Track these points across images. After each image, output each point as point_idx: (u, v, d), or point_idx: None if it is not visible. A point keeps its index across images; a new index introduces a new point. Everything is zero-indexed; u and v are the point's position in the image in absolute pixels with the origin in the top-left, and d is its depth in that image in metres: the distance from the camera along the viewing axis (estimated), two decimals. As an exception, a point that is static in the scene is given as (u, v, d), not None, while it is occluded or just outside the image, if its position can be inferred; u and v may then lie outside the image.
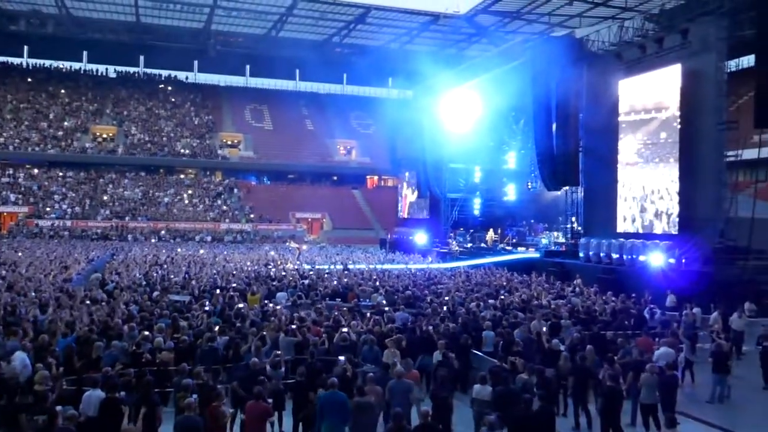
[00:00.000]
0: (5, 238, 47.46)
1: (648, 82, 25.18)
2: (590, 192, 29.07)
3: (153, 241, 50.89)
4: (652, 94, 24.96)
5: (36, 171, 60.46)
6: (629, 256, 24.00)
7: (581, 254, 26.82)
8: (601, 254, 25.45)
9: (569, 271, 26.03)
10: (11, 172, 59.12)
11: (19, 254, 32.13)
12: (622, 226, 26.30)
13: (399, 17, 57.01)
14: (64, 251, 35.33)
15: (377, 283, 21.80)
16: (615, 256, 24.71)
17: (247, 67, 75.65)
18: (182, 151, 65.58)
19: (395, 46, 63.92)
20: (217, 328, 12.96)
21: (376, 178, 72.53)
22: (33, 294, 17.60)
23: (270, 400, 8.99)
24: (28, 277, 22.01)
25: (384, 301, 17.62)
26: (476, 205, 41.70)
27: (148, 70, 75.40)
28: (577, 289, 21.38)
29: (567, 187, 30.26)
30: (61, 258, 30.66)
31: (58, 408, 8.05)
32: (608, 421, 9.51)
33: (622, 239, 25.04)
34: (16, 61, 71.26)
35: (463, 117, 37.30)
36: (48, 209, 55.34)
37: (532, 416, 8.09)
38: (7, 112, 64.24)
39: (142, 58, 73.42)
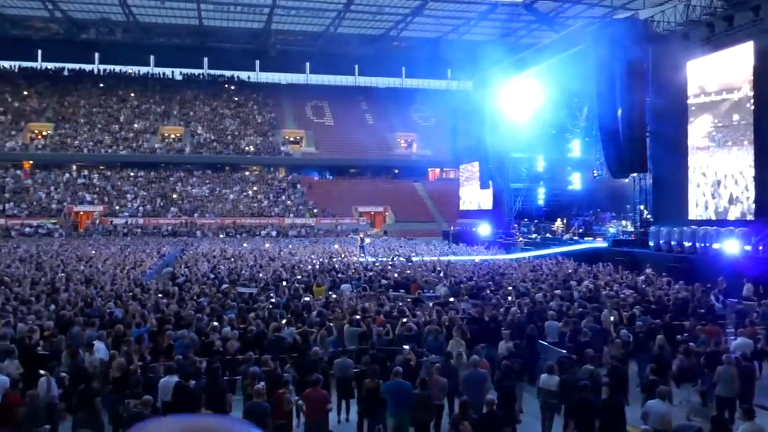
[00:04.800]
0: (83, 236, 49.56)
1: (718, 62, 24.18)
2: (659, 178, 28.15)
3: (220, 236, 52.16)
4: (722, 75, 23.95)
5: (109, 172, 62.83)
6: (702, 244, 23.13)
7: (651, 243, 25.99)
8: (672, 242, 24.60)
9: (638, 260, 25.28)
10: (86, 173, 61.64)
11: (94, 251, 33.43)
12: (693, 213, 25.39)
13: (456, 7, 56.48)
14: (137, 247, 36.60)
15: (441, 275, 21.76)
16: (687, 244, 23.85)
17: (307, 64, 76.50)
18: (246, 148, 66.91)
19: (453, 37, 63.43)
20: (284, 321, 13.16)
21: (437, 170, 72.22)
22: (109, 287, 18.34)
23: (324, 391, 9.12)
24: (104, 272, 22.96)
25: (447, 292, 17.58)
26: (540, 195, 40.98)
27: (212, 71, 77.19)
28: (648, 278, 20.78)
29: (634, 174, 29.42)
30: (134, 254, 31.81)
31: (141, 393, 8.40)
32: None
33: (694, 226, 24.14)
34: (87, 67, 74.09)
35: (524, 106, 36.74)
36: (121, 208, 57.44)
37: (598, 406, 7.91)
38: (81, 117, 66.99)
39: (206, 59, 75.24)
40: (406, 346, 10.59)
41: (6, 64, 71.48)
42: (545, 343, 12.34)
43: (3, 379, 9.22)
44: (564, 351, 11.03)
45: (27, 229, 51.20)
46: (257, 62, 76.20)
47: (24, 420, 8.43)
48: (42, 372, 9.42)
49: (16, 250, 33.05)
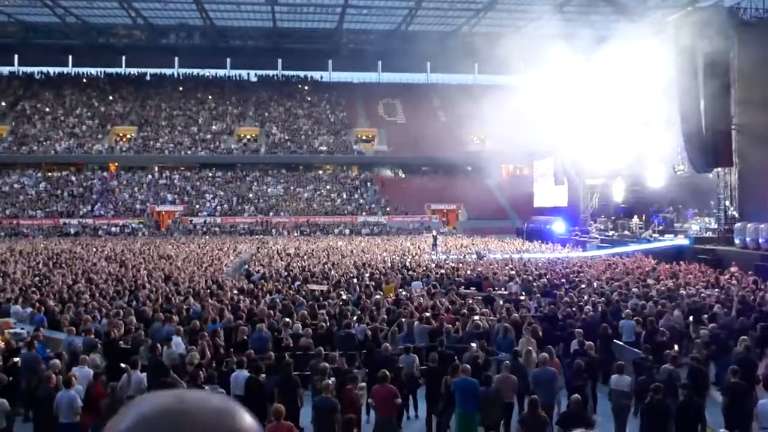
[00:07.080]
0: (164, 235, 51.51)
1: (811, 48, 22.84)
2: (746, 173, 26.77)
3: (295, 234, 53.10)
4: (816, 62, 22.62)
5: (189, 172, 64.98)
6: (793, 241, 21.93)
7: (737, 240, 24.83)
8: (760, 240, 23.40)
9: (723, 258, 24.19)
10: (168, 174, 64.02)
11: (174, 250, 34.59)
12: (783, 209, 24.08)
13: (530, 1, 55.48)
14: (215, 246, 37.69)
15: (513, 272, 21.45)
16: (775, 241, 22.67)
17: (379, 62, 76.88)
18: (320, 148, 67.88)
19: (527, 31, 62.29)
20: (354, 317, 13.26)
21: (511, 167, 71.20)
22: (187, 284, 18.97)
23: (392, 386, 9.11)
24: (183, 270, 23.76)
25: (519, 290, 17.31)
26: (618, 191, 39.72)
27: (286, 72, 78.73)
28: (733, 278, 19.83)
29: (719, 169, 28.12)
30: (212, 252, 32.78)
31: (206, 387, 8.63)
32: (734, 421, 8.47)
33: (784, 223, 22.93)
34: (168, 71, 76.87)
35: (600, 99, 35.71)
36: (200, 207, 59.33)
37: (674, 407, 7.60)
38: (162, 120, 69.58)
39: (279, 61, 76.80)
40: (473, 344, 10.49)
41: (93, 70, 75.10)
42: (620, 343, 11.97)
43: (87, 371, 9.67)
44: (639, 351, 10.65)
45: (113, 229, 53.66)
46: (330, 62, 77.17)
47: (107, 410, 8.81)
48: (123, 365, 9.83)
49: (103, 249, 34.63)
